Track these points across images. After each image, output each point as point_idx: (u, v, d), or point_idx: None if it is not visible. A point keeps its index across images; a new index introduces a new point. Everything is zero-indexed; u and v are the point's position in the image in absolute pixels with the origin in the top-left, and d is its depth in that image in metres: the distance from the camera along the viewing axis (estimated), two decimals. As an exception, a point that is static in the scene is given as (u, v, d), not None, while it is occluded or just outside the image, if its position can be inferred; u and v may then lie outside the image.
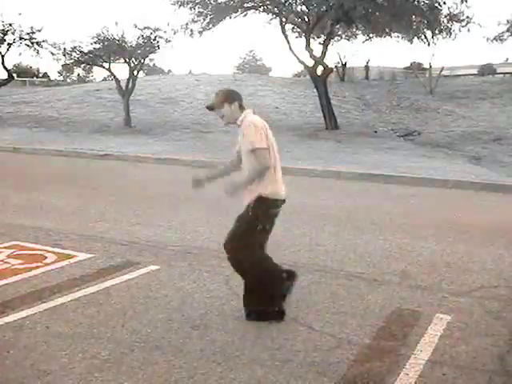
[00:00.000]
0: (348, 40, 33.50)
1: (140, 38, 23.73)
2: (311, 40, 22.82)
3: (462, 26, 22.71)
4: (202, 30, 22.48)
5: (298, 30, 24.67)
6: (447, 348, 4.30)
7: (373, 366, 3.98)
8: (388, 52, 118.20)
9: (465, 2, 21.53)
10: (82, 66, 30.21)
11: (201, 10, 21.87)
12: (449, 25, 22.53)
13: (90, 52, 24.57)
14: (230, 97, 4.75)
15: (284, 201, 4.73)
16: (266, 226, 4.65)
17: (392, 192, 11.85)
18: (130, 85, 24.08)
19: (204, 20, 22.16)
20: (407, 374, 3.88)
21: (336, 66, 36.07)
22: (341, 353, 4.18)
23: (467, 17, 22.51)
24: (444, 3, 21.25)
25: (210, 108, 4.82)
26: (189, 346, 4.23)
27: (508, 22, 31.47)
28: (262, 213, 4.60)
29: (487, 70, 48.08)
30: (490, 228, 8.57)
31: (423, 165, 14.94)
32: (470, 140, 19.44)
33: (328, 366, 3.97)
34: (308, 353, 4.17)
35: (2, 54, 27.21)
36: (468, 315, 4.97)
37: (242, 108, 4.75)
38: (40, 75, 66.51)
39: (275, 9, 21.93)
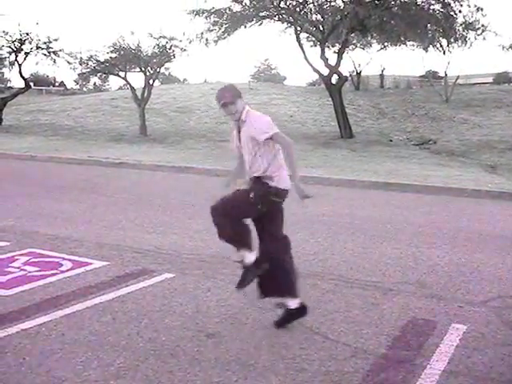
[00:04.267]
0: (363, 49, 33.63)
1: (156, 47, 23.90)
2: (326, 49, 22.86)
3: (478, 35, 22.68)
4: (217, 39, 22.59)
5: (313, 38, 24.72)
6: (463, 358, 4.27)
7: (388, 376, 3.96)
8: (403, 60, 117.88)
9: (480, 11, 21.49)
10: (98, 74, 30.36)
11: (216, 19, 21.98)
12: (464, 33, 22.49)
13: (106, 61, 24.76)
14: (239, 92, 4.78)
15: (288, 191, 4.82)
16: (261, 205, 4.70)
17: (407, 201, 11.79)
18: (146, 93, 24.23)
19: (219, 29, 22.26)
20: (423, 384, 3.86)
21: (351, 75, 36.12)
22: (356, 362, 4.16)
23: (482, 25, 22.50)
24: (459, 12, 21.23)
25: (226, 104, 4.71)
26: (204, 355, 4.23)
27: (524, 30, 31.35)
28: (264, 196, 4.69)
29: (503, 78, 47.89)
30: (506, 237, 8.51)
31: (439, 173, 14.87)
32: (486, 148, 19.34)
33: (343, 376, 3.95)
34: (323, 362, 4.15)
35: (20, 62, 27.56)
36: (484, 325, 4.93)
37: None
38: (56, 84, 67.08)
39: (290, 18, 21.99)
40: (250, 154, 4.74)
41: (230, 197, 4.73)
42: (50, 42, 27.29)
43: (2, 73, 50.21)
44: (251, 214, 4.78)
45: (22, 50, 27.24)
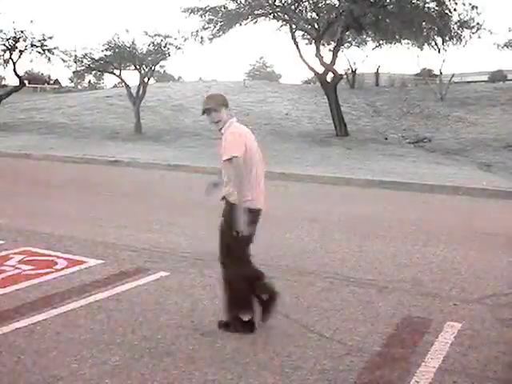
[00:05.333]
0: (358, 47, 33.61)
1: (151, 45, 23.89)
2: (321, 47, 22.85)
3: (473, 33, 22.70)
4: (212, 36, 22.58)
5: (308, 36, 24.75)
6: (458, 356, 4.28)
7: (383, 374, 3.97)
8: (398, 59, 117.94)
9: (475, 9, 21.52)
10: (93, 72, 30.37)
11: (211, 17, 21.97)
12: (459, 31, 22.50)
13: (100, 59, 24.73)
14: (226, 101, 4.68)
15: (259, 211, 4.65)
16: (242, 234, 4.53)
17: (402, 199, 11.81)
18: (141, 91, 24.19)
19: (214, 27, 22.26)
20: (418, 382, 3.86)
21: (346, 73, 36.08)
22: (351, 360, 4.16)
23: (478, 23, 22.50)
24: (454, 10, 21.26)
25: (209, 110, 4.62)
26: (199, 353, 4.23)
27: (519, 28, 31.33)
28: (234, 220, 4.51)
29: (498, 76, 47.93)
30: (501, 235, 8.53)
31: (434, 171, 14.89)
32: (481, 147, 19.37)
33: (338, 374, 3.95)
34: (318, 360, 4.16)
35: (14, 60, 27.46)
36: (479, 323, 4.95)
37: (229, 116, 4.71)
38: (51, 82, 66.88)
39: (285, 16, 21.99)
40: (223, 168, 4.67)
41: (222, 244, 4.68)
42: (45, 40, 27.20)
43: (-3, 71, 50.03)
44: (244, 244, 4.68)
45: (17, 47, 27.15)
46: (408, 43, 25.87)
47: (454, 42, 22.82)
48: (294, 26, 22.31)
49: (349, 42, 31.67)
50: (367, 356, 4.24)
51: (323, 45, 25.07)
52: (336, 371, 3.99)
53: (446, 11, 21.10)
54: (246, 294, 4.66)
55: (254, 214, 4.60)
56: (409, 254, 7.21)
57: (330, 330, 4.72)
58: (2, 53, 27.71)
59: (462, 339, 4.58)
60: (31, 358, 4.09)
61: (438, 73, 33.22)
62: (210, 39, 22.65)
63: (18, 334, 4.48)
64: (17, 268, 6.26)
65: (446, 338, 4.60)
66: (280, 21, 22.69)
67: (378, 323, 4.88)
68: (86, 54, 24.74)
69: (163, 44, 23.82)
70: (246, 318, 4.64)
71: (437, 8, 21.08)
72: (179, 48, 24.01)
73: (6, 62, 28.66)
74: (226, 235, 4.59)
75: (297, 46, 22.20)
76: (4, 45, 27.01)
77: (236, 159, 4.46)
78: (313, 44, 23.06)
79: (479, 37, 22.83)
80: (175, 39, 23.76)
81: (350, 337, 4.58)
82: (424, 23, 21.60)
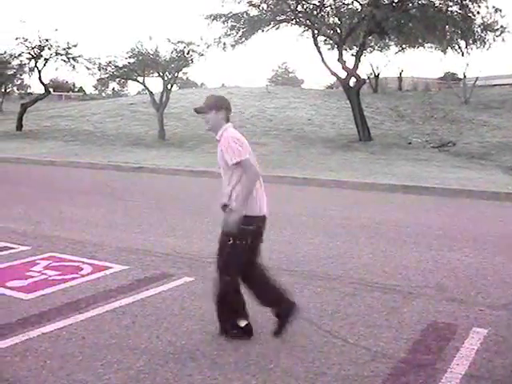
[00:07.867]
0: (380, 51, 33.47)
1: (174, 52, 24.03)
2: (343, 52, 22.80)
3: (497, 36, 22.47)
4: (234, 43, 22.65)
5: (331, 41, 24.70)
6: (484, 362, 4.23)
7: (408, 380, 3.94)
8: (421, 63, 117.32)
9: (499, 12, 21.33)
10: (117, 80, 30.66)
11: (233, 23, 22.05)
12: (483, 34, 22.29)
13: (124, 66, 24.96)
14: (219, 104, 4.63)
15: (261, 218, 4.57)
16: (240, 241, 4.51)
17: (427, 204, 11.72)
18: (164, 98, 24.34)
19: (237, 33, 22.33)
20: (444, 389, 3.83)
21: (369, 77, 36.01)
22: (376, 366, 4.14)
23: (501, 26, 22.28)
24: (478, 13, 21.08)
25: (198, 111, 4.69)
26: (223, 358, 4.23)
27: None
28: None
29: (523, 79, 47.39)
30: (527, 240, 8.43)
31: (458, 176, 14.76)
32: (506, 150, 19.17)
33: (363, 380, 3.93)
34: (342, 366, 4.14)
35: (39, 69, 27.89)
36: (505, 329, 4.89)
37: (227, 120, 4.65)
38: (75, 89, 67.66)
39: (307, 21, 22.00)
40: (224, 175, 4.64)
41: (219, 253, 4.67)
42: (69, 48, 27.60)
43: (22, 79, 50.79)
44: (242, 255, 4.61)
45: (42, 56, 27.59)
46: (431, 47, 25.72)
47: (478, 46, 22.59)
48: (316, 32, 22.30)
49: (371, 46, 31.57)
50: (392, 362, 4.21)
51: (346, 49, 25.03)
52: (360, 377, 3.97)
53: (469, 14, 20.94)
54: (240, 303, 4.61)
55: (258, 220, 4.56)
56: (434, 260, 7.15)
57: (355, 335, 4.70)
58: (28, 61, 28.17)
59: (488, 345, 4.53)
60: (57, 363, 4.13)
61: (462, 76, 32.98)
62: (233, 46, 22.73)
63: (44, 339, 4.53)
64: (43, 274, 6.32)
65: (472, 343, 4.55)
66: (302, 26, 22.71)
67: (402, 329, 4.85)
68: (109, 62, 25.00)
69: (186, 51, 23.96)
70: (242, 324, 4.61)
71: (460, 11, 20.93)
72: (202, 55, 24.15)
73: (31, 70, 29.14)
74: (227, 246, 4.59)
75: (319, 51, 22.20)
76: (29, 53, 27.45)
77: (246, 160, 4.42)
78: (335, 49, 23.02)
79: (503, 40, 22.61)
80: (198, 46, 23.93)
81: (375, 343, 4.55)
82: (447, 27, 21.44)
